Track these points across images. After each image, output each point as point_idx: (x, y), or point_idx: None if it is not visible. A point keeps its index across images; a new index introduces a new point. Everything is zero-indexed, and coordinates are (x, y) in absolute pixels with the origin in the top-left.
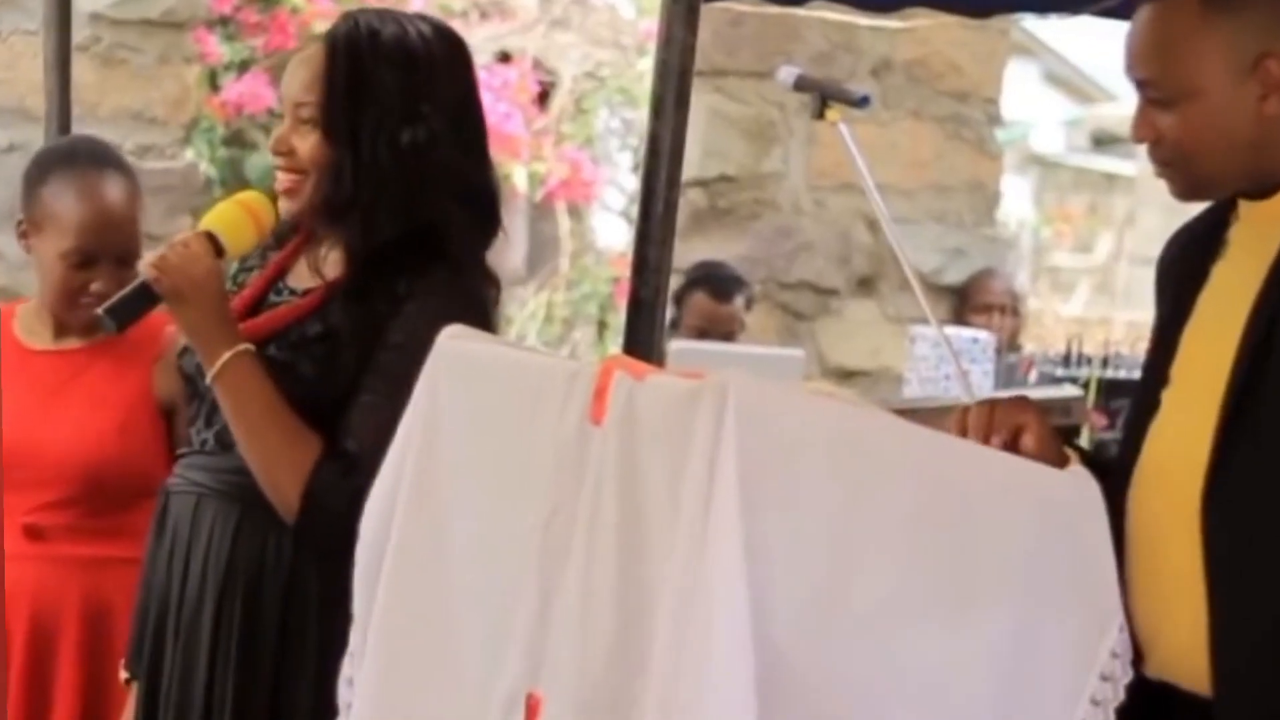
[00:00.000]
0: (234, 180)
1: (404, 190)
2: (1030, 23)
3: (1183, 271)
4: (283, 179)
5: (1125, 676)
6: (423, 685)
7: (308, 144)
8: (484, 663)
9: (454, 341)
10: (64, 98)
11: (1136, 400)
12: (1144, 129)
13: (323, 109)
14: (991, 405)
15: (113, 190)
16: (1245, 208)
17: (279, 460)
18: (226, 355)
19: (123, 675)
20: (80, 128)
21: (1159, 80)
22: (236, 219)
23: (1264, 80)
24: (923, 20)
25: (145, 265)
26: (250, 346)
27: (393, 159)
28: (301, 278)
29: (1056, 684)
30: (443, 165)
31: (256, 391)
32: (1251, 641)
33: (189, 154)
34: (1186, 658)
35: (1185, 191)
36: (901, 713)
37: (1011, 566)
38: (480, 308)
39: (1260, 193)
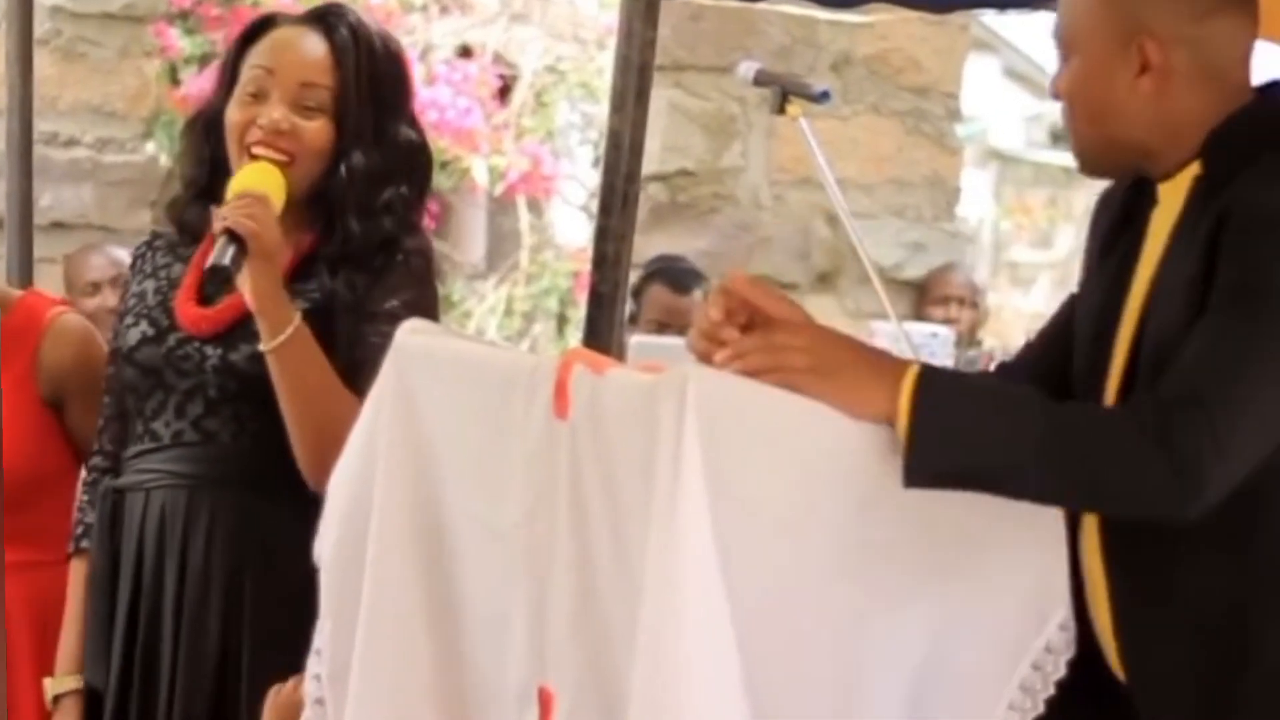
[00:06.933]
0: None
1: (393, 185)
2: (990, 18)
3: (1110, 243)
4: (268, 155)
5: (1057, 672)
6: (428, 681)
7: (312, 128)
8: (491, 658)
9: (415, 336)
10: (25, 91)
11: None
12: (1052, 83)
13: (339, 98)
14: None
15: None
16: (1160, 190)
17: (342, 427)
18: (297, 320)
19: (57, 689)
20: (40, 121)
21: (1057, 30)
22: (276, 183)
23: (1140, 58)
24: (883, 15)
25: (234, 218)
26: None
27: (392, 155)
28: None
29: (988, 668)
30: (425, 164)
31: (314, 358)
32: (1152, 629)
33: (149, 147)
34: (1110, 650)
35: (1079, 161)
36: (840, 691)
37: (955, 553)
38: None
39: (1162, 175)
